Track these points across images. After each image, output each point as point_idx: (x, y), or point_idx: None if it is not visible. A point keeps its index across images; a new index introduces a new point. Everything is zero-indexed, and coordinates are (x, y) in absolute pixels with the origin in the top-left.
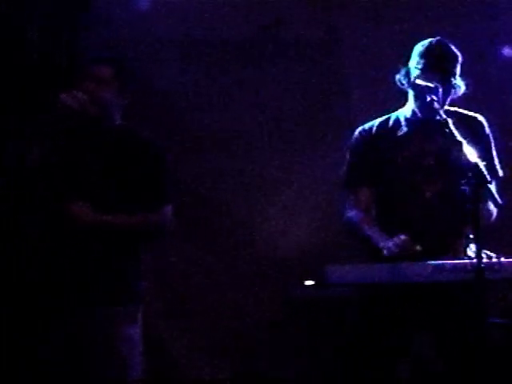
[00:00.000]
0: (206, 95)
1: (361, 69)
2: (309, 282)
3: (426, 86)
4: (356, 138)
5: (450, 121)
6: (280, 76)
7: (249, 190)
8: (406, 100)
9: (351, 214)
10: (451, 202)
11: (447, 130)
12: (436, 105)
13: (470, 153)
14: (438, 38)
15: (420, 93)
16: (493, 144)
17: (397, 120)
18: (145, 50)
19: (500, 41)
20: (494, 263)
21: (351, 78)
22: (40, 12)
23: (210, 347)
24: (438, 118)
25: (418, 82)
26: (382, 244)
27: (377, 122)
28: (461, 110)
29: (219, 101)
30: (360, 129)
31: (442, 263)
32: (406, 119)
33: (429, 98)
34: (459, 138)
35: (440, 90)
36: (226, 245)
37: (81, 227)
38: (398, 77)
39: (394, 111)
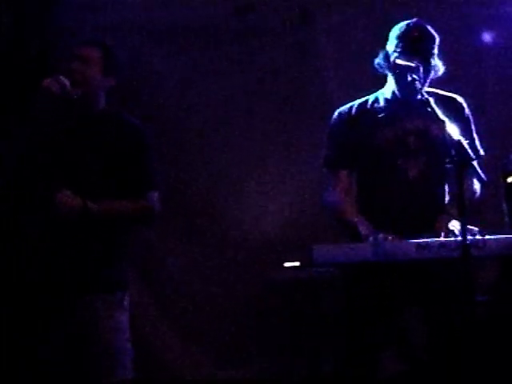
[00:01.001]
0: (178, 82)
1: (335, 52)
2: (293, 264)
3: (407, 66)
4: (335, 120)
5: (431, 100)
6: (253, 61)
7: (228, 177)
8: (384, 83)
9: (332, 198)
10: (434, 181)
11: (429, 109)
12: (418, 84)
13: (453, 131)
14: (415, 19)
15: (401, 73)
16: (473, 124)
17: (376, 101)
18: (119, 36)
19: (473, 21)
20: (479, 240)
21: (325, 61)
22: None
23: (194, 335)
24: (419, 97)
25: (399, 61)
26: (364, 233)
27: (356, 103)
28: (439, 91)
29: (191, 87)
30: (339, 110)
31: (426, 241)
32: (386, 100)
33: (410, 78)
34: (442, 116)
35: (421, 69)
36: (208, 232)
37: (67, 215)
38: (376, 61)
39: (371, 94)
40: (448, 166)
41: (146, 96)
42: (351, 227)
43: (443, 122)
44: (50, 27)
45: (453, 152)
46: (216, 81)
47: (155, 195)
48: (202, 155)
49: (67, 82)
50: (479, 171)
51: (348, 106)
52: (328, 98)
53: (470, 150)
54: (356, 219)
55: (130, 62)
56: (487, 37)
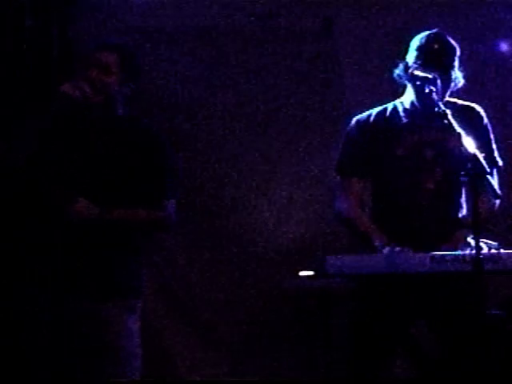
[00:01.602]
0: (192, 88)
1: (355, 59)
2: (306, 273)
3: (425, 77)
4: (352, 127)
5: (448, 112)
6: (273, 67)
7: (243, 185)
8: (403, 93)
9: (344, 205)
10: (450, 193)
11: (446, 122)
12: (435, 96)
13: (469, 144)
14: (436, 30)
15: (419, 84)
16: (491, 134)
17: (395, 111)
18: (135, 39)
19: (495, 30)
20: (494, 254)
21: (345, 68)
22: (31, 3)
23: (207, 342)
24: (436, 109)
25: (417, 73)
26: (378, 243)
27: (374, 111)
28: (458, 101)
29: (210, 90)
30: (357, 118)
31: (441, 254)
32: (405, 110)
33: (427, 90)
34: (458, 129)
35: (438, 81)
36: (222, 239)
37: (83, 224)
38: (396, 71)
39: (389, 102)
40: (463, 179)
41: (157, 100)
42: (364, 237)
43: (460, 134)
44: (71, 29)
45: (468, 165)
46: (232, 87)
47: (172, 204)
48: (217, 161)
49: (87, 88)
50: (494, 186)
51: (366, 114)
52: (346, 106)
53: (485, 164)
54: (369, 229)
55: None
56: (508, 45)
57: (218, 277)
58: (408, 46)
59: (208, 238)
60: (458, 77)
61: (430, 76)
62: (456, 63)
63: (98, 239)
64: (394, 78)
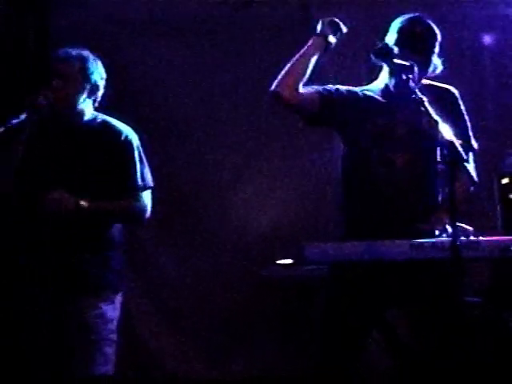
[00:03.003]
0: (177, 77)
1: (334, 47)
2: (284, 261)
3: (403, 65)
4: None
5: (425, 99)
6: (252, 56)
7: (222, 175)
8: (378, 74)
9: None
10: (423, 174)
11: (423, 109)
12: (412, 83)
13: (446, 131)
14: (418, 14)
15: (396, 71)
16: (466, 116)
17: (371, 90)
18: (115, 30)
19: (472, 21)
20: (472, 241)
21: (323, 59)
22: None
23: (186, 334)
24: (413, 96)
25: (395, 61)
26: None
27: (348, 88)
28: (433, 83)
29: (188, 85)
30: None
31: (420, 241)
32: (381, 90)
33: (405, 77)
34: (435, 116)
35: (416, 68)
36: (200, 229)
37: (59, 213)
38: (376, 50)
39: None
40: (440, 166)
41: (143, 94)
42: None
43: (437, 122)
44: (49, 25)
45: (445, 152)
46: (214, 78)
47: (146, 194)
48: (196, 152)
49: (51, 98)
50: (471, 173)
51: (343, 87)
52: None
53: (462, 151)
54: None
55: (129, 59)
56: (486, 37)
57: (198, 268)
58: (387, 27)
59: (186, 229)
60: (436, 63)
61: (407, 64)
62: (436, 49)
63: (75, 233)
64: (371, 59)
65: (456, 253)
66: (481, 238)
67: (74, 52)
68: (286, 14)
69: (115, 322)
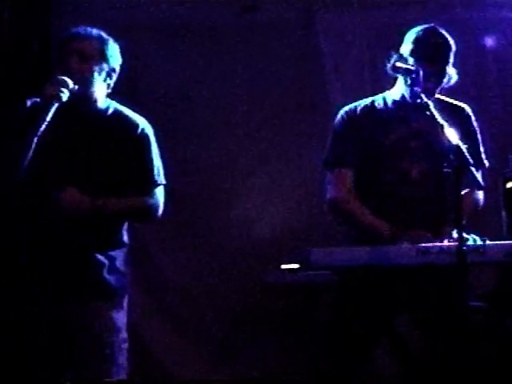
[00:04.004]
0: (181, 82)
1: (336, 52)
2: (291, 266)
3: (406, 69)
4: (340, 119)
5: (430, 103)
6: (255, 60)
7: (225, 179)
8: (393, 85)
9: (339, 196)
10: (437, 184)
11: (428, 113)
12: (417, 87)
13: (452, 135)
14: (432, 25)
15: (402, 76)
16: (479, 135)
17: (383, 102)
18: (121, 34)
19: (475, 25)
20: (479, 246)
21: (327, 61)
22: None
23: (191, 338)
24: (419, 100)
25: (399, 65)
26: (386, 234)
27: (361, 103)
28: (448, 99)
29: (193, 88)
30: (344, 109)
31: (427, 246)
32: (394, 102)
33: (409, 81)
34: (440, 120)
35: (421, 72)
36: (204, 233)
37: (74, 212)
38: (391, 62)
39: (373, 95)
40: (446, 170)
41: (148, 95)
42: (368, 228)
43: (442, 125)
44: (52, 25)
45: (451, 156)
46: (218, 81)
47: (160, 191)
48: (200, 157)
49: (69, 82)
50: (477, 177)
51: (353, 105)
52: (329, 100)
53: (468, 155)
54: (375, 221)
55: (134, 61)
56: (489, 41)
57: (201, 271)
58: (392, 38)
59: (190, 232)
60: (451, 74)
61: (411, 68)
62: (451, 59)
63: (86, 237)
64: (386, 70)
65: (461, 258)
66: (487, 242)
67: (94, 31)
68: (290, 20)
69: (125, 328)
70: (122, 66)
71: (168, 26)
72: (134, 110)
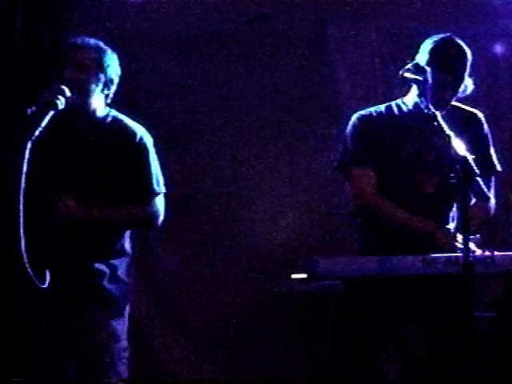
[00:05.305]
0: (193, 89)
1: (348, 63)
2: (298, 276)
3: (414, 79)
4: (356, 122)
5: (438, 114)
6: (267, 70)
7: (236, 186)
8: (407, 92)
9: (365, 192)
10: (450, 198)
11: (435, 124)
12: (422, 98)
13: (459, 146)
14: (449, 34)
15: (411, 86)
16: (491, 141)
17: (398, 110)
18: (130, 42)
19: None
20: (487, 256)
21: (339, 72)
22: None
23: (198, 345)
24: (426, 111)
25: (406, 74)
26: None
27: (376, 108)
28: (461, 105)
29: (206, 94)
30: (358, 114)
31: (433, 256)
32: (409, 110)
33: (418, 91)
34: (447, 131)
35: (429, 82)
36: (213, 242)
37: (69, 223)
38: (406, 71)
39: (385, 102)
40: (452, 181)
41: (154, 104)
42: (400, 225)
43: (449, 136)
44: (64, 33)
45: (457, 167)
46: (230, 89)
47: (160, 199)
48: (211, 163)
49: (66, 90)
50: (484, 188)
51: (368, 110)
52: (341, 108)
53: (474, 166)
54: (411, 218)
55: (140, 70)
56: (500, 48)
57: (210, 279)
58: (400, 45)
59: (199, 240)
60: (467, 83)
61: (419, 78)
62: (467, 69)
63: (86, 246)
64: (401, 79)
65: (468, 269)
66: (495, 253)
67: (92, 41)
68: (302, 29)
69: (125, 337)
70: (133, 76)
71: (178, 36)
72: (148, 119)
